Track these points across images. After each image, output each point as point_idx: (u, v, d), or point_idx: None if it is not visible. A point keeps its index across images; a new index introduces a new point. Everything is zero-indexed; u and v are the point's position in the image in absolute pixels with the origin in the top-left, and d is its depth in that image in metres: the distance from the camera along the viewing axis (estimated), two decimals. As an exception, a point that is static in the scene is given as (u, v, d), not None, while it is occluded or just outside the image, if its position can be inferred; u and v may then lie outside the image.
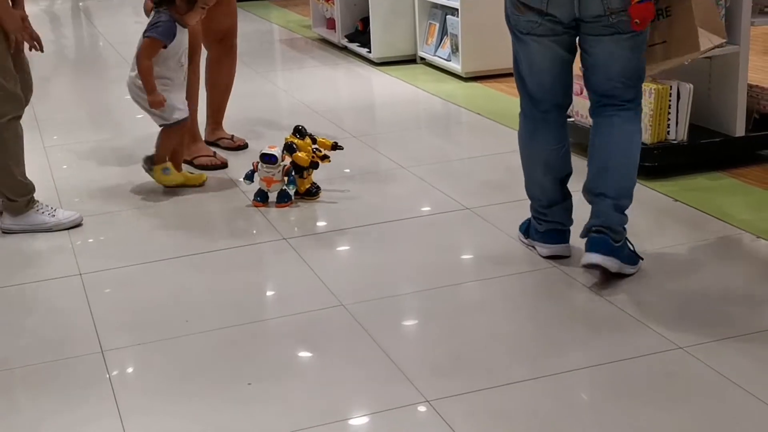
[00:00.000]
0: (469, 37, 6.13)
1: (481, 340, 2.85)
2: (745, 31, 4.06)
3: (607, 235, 3.08)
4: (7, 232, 3.85)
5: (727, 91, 4.16)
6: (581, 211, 3.28)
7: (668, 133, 4.10)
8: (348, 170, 4.45)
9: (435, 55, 6.58)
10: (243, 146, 4.87)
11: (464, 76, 6.24)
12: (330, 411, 2.50)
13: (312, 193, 4.08)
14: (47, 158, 4.88)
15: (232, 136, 4.92)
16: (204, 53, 4.72)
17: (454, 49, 6.31)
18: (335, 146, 4.15)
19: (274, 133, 4.97)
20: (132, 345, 2.93)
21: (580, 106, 4.32)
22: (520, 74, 3.28)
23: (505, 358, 2.74)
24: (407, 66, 6.76)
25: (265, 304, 3.29)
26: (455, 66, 6.29)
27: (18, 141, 3.80)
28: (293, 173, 4.00)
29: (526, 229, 3.46)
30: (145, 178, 4.39)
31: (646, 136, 4.01)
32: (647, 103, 3.97)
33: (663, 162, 4.06)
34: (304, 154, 4.01)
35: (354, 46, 7.25)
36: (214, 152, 4.67)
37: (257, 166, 4.02)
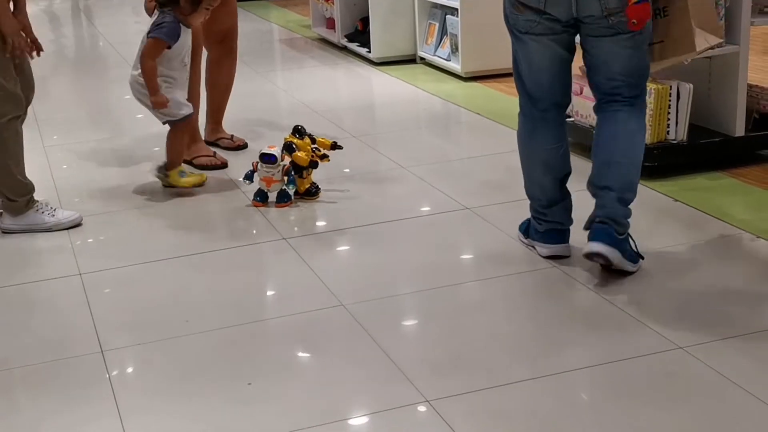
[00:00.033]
0: (468, 36, 6.13)
1: (481, 340, 2.85)
2: (745, 31, 4.06)
3: (611, 226, 3.09)
4: (7, 232, 3.85)
5: (727, 90, 4.16)
6: (581, 211, 3.29)
7: (668, 132, 4.10)
8: (348, 170, 4.45)
9: (435, 55, 6.58)
10: (243, 146, 4.87)
11: (464, 75, 6.24)
12: (330, 411, 2.50)
13: (312, 192, 4.08)
14: (47, 158, 4.87)
15: (232, 136, 4.92)
16: (204, 53, 4.72)
17: (454, 49, 6.31)
18: (334, 146, 4.15)
19: (273, 133, 4.97)
20: (132, 345, 2.93)
21: (580, 106, 4.32)
22: (519, 73, 3.28)
23: (505, 358, 2.74)
24: (407, 66, 6.76)
25: (265, 304, 3.29)
26: (455, 66, 6.29)
27: (18, 141, 3.80)
28: (293, 173, 4.00)
29: (526, 229, 3.46)
30: (146, 178, 4.39)
31: (646, 136, 4.00)
32: (647, 102, 3.96)
33: (663, 162, 4.06)
34: (304, 153, 4.01)
35: (354, 46, 7.25)
36: (214, 152, 4.67)
37: (257, 166, 4.02)
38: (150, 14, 4.23)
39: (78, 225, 3.89)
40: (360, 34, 7.23)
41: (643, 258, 3.23)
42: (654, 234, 3.53)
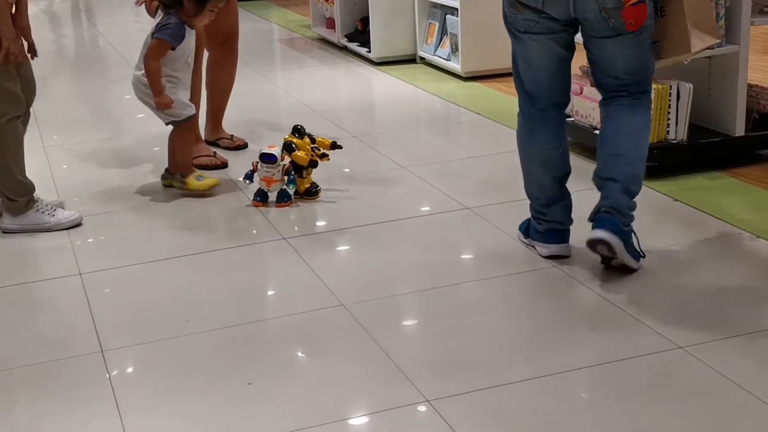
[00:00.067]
0: (468, 36, 6.13)
1: (481, 340, 2.85)
2: (745, 30, 4.06)
3: (616, 216, 3.10)
4: (7, 232, 3.85)
5: (727, 90, 4.16)
6: (581, 211, 3.29)
7: (668, 132, 4.10)
8: (348, 170, 4.45)
9: (435, 55, 6.58)
10: (243, 146, 4.87)
11: (464, 75, 6.24)
12: (330, 411, 2.50)
13: (312, 192, 4.08)
14: (47, 158, 4.88)
15: (232, 135, 4.92)
16: (205, 54, 4.72)
17: (454, 49, 6.31)
18: (334, 145, 4.15)
19: (273, 132, 4.97)
20: (132, 345, 2.93)
21: (580, 106, 4.32)
22: (518, 73, 3.29)
23: (505, 357, 2.74)
24: (407, 66, 6.76)
25: (265, 304, 3.29)
26: (455, 66, 6.29)
27: (18, 141, 3.80)
28: (293, 173, 4.00)
29: (526, 229, 3.46)
30: (146, 178, 4.40)
31: (646, 136, 4.01)
32: (647, 102, 3.97)
33: (663, 161, 4.06)
34: (303, 153, 4.01)
35: (354, 46, 7.25)
36: (214, 152, 4.67)
37: (257, 165, 4.02)
38: (152, 15, 4.22)
39: (78, 225, 3.89)
40: (360, 33, 7.23)
41: (644, 256, 3.23)
42: (654, 234, 3.53)
